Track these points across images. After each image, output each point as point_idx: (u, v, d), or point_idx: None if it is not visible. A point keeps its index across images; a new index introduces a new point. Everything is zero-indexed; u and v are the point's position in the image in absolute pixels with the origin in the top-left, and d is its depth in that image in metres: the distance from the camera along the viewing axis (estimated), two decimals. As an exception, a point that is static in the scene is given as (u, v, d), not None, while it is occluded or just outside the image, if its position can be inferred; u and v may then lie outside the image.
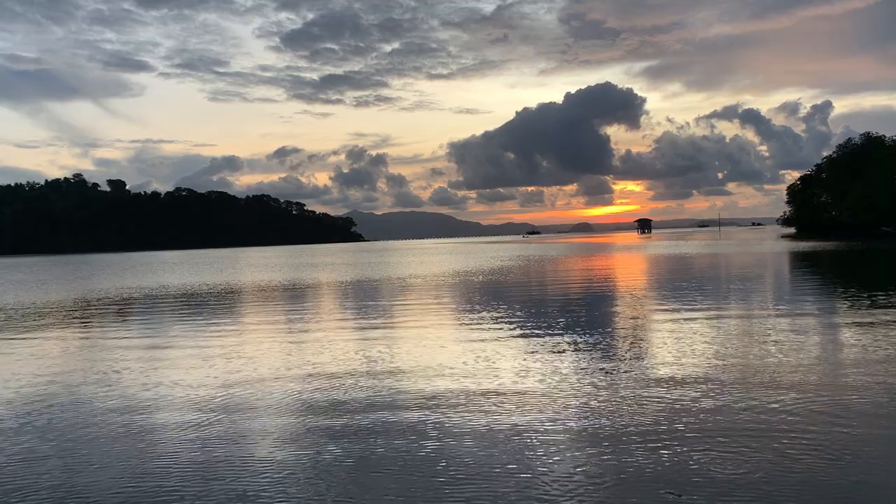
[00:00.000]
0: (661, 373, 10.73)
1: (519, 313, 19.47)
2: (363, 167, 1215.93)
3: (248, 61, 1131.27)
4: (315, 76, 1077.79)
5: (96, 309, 26.36)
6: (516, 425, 8.14)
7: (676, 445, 7.23)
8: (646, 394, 9.43)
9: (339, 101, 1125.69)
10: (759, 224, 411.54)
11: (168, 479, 6.79)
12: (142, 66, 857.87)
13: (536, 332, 15.63)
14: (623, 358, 12.09)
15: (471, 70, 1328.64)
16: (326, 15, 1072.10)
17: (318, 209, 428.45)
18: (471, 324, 17.52)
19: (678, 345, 13.18)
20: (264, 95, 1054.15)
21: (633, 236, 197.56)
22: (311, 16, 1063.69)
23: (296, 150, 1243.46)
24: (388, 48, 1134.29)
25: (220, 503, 6.20)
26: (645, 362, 11.64)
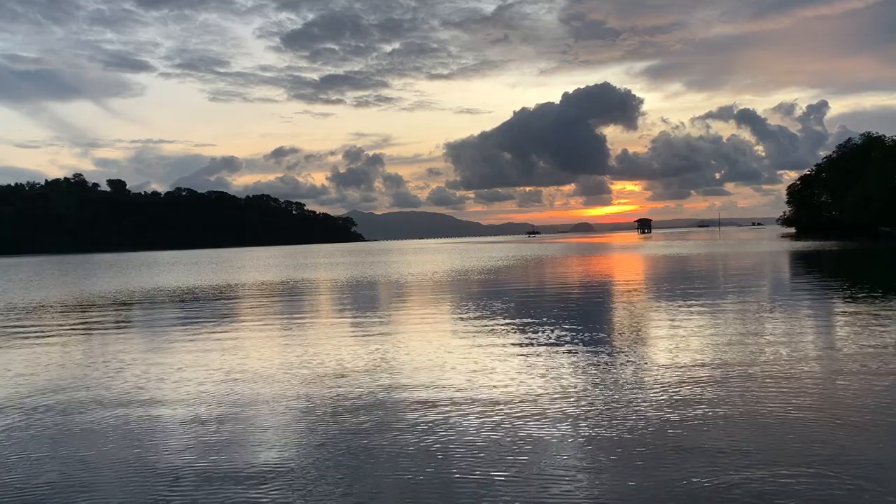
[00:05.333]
0: (660, 372, 10.73)
1: (521, 313, 19.50)
2: (360, 167, 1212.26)
3: (249, 61, 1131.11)
4: (315, 76, 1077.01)
5: (96, 309, 26.38)
6: (517, 424, 8.16)
7: (677, 445, 7.26)
8: (646, 393, 9.44)
9: (339, 102, 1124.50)
10: (758, 224, 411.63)
11: (169, 479, 6.80)
12: (142, 66, 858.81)
13: (538, 331, 15.62)
14: (624, 358, 12.10)
15: (471, 70, 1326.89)
16: (327, 15, 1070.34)
17: (316, 209, 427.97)
18: (472, 322, 17.52)
19: (679, 345, 13.20)
20: (265, 95, 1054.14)
21: (634, 236, 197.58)
22: (311, 16, 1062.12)
23: (293, 150, 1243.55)
24: (388, 48, 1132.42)
25: (222, 503, 6.26)
26: (646, 362, 11.65)
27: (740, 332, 14.51)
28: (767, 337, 13.82)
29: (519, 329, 16.24)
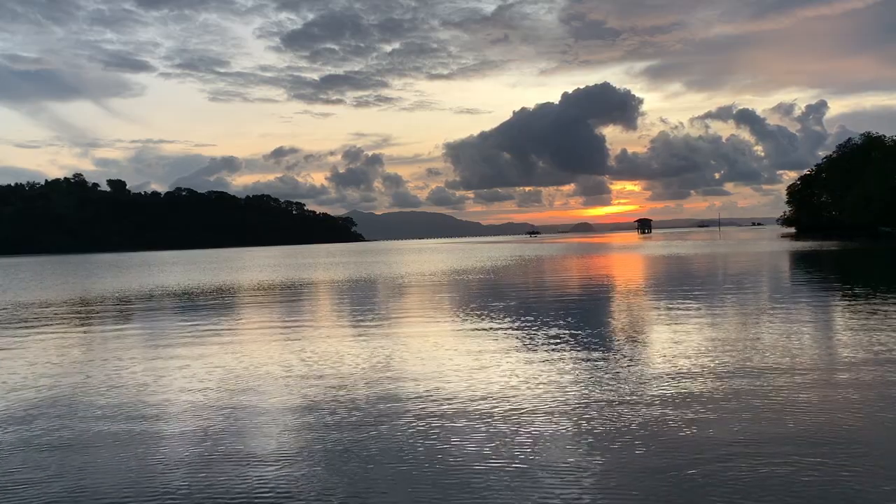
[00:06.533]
0: (660, 370, 10.75)
1: (521, 312, 19.49)
2: (360, 167, 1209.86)
3: (249, 61, 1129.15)
4: (315, 76, 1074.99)
5: (96, 309, 26.42)
6: (517, 421, 8.17)
7: (677, 441, 7.28)
8: (645, 391, 9.46)
9: (339, 102, 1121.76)
10: (758, 224, 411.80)
11: (171, 480, 6.82)
12: (142, 67, 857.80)
13: (538, 330, 15.64)
14: (623, 357, 12.12)
15: (471, 70, 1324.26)
16: (327, 15, 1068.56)
17: (316, 209, 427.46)
18: (472, 322, 17.53)
19: (679, 344, 13.21)
20: (265, 95, 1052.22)
21: (634, 236, 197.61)
22: (311, 16, 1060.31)
23: (293, 150, 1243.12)
24: (388, 48, 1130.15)
25: (223, 502, 6.26)
26: (645, 361, 11.67)
27: (740, 332, 14.53)
28: (766, 336, 13.83)
29: (519, 328, 16.26)
